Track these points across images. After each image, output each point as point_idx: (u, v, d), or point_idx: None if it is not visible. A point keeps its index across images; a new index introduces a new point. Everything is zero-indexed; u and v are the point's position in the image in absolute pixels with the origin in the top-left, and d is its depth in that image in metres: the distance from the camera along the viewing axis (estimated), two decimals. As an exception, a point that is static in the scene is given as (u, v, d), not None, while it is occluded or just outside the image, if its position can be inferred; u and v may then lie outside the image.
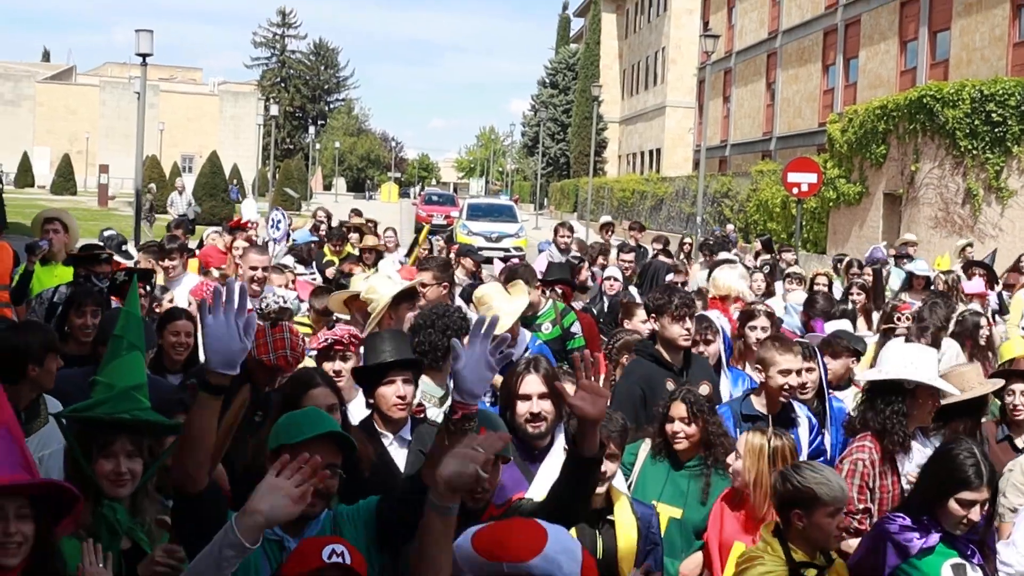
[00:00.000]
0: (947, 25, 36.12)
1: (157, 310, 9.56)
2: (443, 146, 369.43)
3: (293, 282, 11.78)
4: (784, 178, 30.08)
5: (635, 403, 7.36)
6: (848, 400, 8.40)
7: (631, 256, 15.50)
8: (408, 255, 16.43)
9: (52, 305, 9.54)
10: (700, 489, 6.31)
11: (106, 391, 4.53)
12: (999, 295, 15.87)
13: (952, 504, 5.20)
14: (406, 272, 12.34)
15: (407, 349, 6.30)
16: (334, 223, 21.20)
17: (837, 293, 14.09)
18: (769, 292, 14.05)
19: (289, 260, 14.58)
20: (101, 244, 11.00)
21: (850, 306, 12.15)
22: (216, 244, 16.01)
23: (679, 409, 6.38)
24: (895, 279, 16.94)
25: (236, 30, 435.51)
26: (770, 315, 9.37)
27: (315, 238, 18.33)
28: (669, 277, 12.81)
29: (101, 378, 4.59)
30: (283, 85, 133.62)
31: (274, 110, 77.19)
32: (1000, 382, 7.52)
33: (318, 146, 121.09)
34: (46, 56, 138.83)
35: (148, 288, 9.75)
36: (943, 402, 6.73)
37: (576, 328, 10.21)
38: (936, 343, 9.71)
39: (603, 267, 15.24)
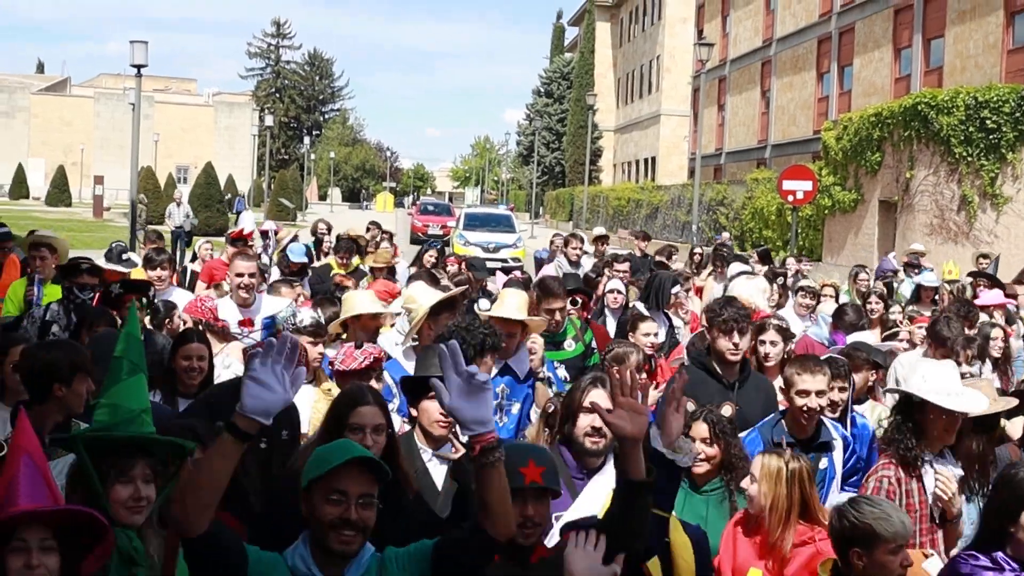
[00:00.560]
0: (941, 32, 36.17)
1: (168, 327, 9.32)
2: (438, 155, 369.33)
3: (298, 297, 11.39)
4: (779, 186, 30.15)
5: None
6: (867, 413, 8.24)
7: (625, 266, 15.20)
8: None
9: (44, 324, 9.28)
10: (723, 515, 6.06)
11: (111, 414, 4.27)
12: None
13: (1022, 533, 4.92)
14: (381, 286, 12.15)
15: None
16: (332, 234, 20.83)
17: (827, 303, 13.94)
18: (780, 304, 13.79)
19: (275, 272, 14.31)
20: (87, 257, 10.51)
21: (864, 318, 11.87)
22: (218, 256, 15.94)
23: (700, 429, 6.16)
24: (906, 289, 16.81)
25: (231, 41, 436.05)
26: (782, 329, 9.11)
27: (304, 251, 18.07)
28: (675, 289, 12.53)
29: (104, 400, 4.33)
30: (278, 96, 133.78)
31: (269, 120, 77.43)
32: (1014, 401, 7.23)
33: (313, 156, 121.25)
34: (40, 68, 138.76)
35: (144, 301, 9.49)
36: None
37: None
38: (955, 357, 9.33)
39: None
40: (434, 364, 5.83)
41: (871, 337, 10.05)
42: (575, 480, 5.42)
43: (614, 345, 8.80)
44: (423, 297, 8.12)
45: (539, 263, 18.32)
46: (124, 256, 14.82)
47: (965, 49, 34.44)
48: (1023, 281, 17.27)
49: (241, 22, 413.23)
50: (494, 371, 7.52)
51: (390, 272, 15.04)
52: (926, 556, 5.77)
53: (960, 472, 6.31)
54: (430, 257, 16.33)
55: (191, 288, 14.16)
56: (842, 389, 7.49)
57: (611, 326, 11.89)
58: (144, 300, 9.46)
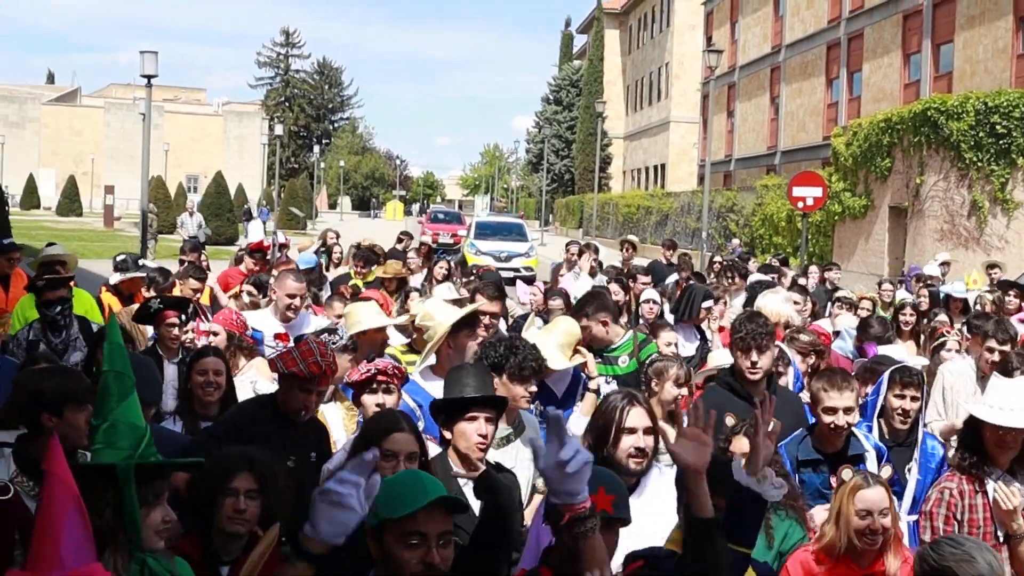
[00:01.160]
0: (950, 38, 36.15)
1: (188, 345, 8.96)
2: (447, 164, 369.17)
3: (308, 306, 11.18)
4: (789, 192, 30.09)
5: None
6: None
7: (648, 278, 14.74)
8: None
9: (30, 343, 9.13)
10: (762, 532, 5.70)
11: (112, 436, 3.97)
12: None
13: None
14: (375, 295, 11.83)
15: (491, 386, 6.00)
16: (340, 241, 20.53)
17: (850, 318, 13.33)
18: (815, 314, 13.37)
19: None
20: (51, 274, 10.21)
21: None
22: (234, 266, 15.85)
23: (742, 444, 5.88)
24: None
25: (240, 50, 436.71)
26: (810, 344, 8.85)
27: (314, 261, 17.74)
28: (707, 304, 12.14)
29: (103, 423, 4.03)
30: (287, 105, 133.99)
31: (278, 130, 77.54)
32: None
33: (323, 165, 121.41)
34: (51, 78, 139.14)
35: (184, 318, 9.04)
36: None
37: None
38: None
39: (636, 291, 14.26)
40: (468, 384, 5.75)
41: (901, 350, 9.69)
42: None
43: (657, 358, 8.42)
44: (441, 314, 7.71)
45: (556, 272, 17.70)
46: (139, 263, 14.75)
47: (974, 54, 34.42)
48: None
49: (250, 32, 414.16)
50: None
51: (400, 284, 14.64)
52: None
53: None
54: (441, 269, 16.07)
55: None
56: (915, 399, 7.27)
57: None
58: (184, 316, 9.08)
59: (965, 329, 10.88)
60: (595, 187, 60.65)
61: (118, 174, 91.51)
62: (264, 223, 62.11)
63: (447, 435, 5.57)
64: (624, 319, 11.40)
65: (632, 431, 5.29)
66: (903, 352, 9.72)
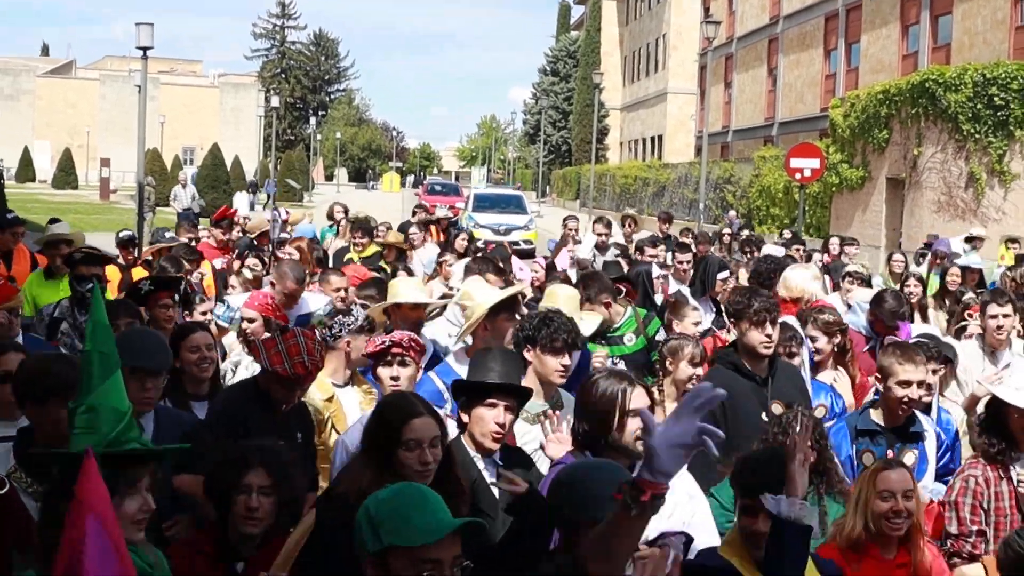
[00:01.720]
0: (949, 9, 36.04)
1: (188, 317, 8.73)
2: (444, 135, 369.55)
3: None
4: (787, 163, 30.04)
5: (714, 413, 6.49)
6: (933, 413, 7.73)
7: (659, 250, 14.40)
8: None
9: (53, 320, 8.86)
10: (816, 521, 5.36)
11: (93, 419, 3.80)
12: None
13: None
14: (352, 270, 11.41)
15: (517, 374, 5.80)
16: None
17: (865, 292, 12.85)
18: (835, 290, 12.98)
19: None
20: (88, 247, 9.83)
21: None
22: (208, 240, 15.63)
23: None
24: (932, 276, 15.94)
25: (235, 22, 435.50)
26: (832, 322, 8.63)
27: (313, 233, 17.42)
28: (723, 275, 11.85)
29: (85, 403, 3.85)
30: (283, 76, 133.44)
31: (275, 101, 77.21)
32: None
33: (319, 137, 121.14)
34: (45, 50, 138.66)
35: (176, 299, 8.73)
36: None
37: (662, 335, 9.15)
38: None
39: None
40: (493, 369, 5.60)
41: (938, 330, 9.54)
42: None
43: (672, 337, 8.26)
44: (480, 295, 7.36)
45: (558, 250, 16.81)
46: (168, 235, 14.65)
47: (973, 26, 34.32)
48: None
49: (246, 3, 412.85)
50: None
51: (399, 254, 14.48)
52: None
53: None
54: (462, 241, 15.77)
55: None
56: (934, 372, 7.15)
57: None
58: (177, 297, 8.76)
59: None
60: (592, 158, 60.47)
61: (113, 146, 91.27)
62: (270, 196, 62.11)
63: (464, 418, 5.39)
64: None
65: (636, 412, 4.99)
66: (939, 331, 9.49)
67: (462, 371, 6.72)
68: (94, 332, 3.99)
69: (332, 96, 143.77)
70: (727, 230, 23.51)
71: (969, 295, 11.79)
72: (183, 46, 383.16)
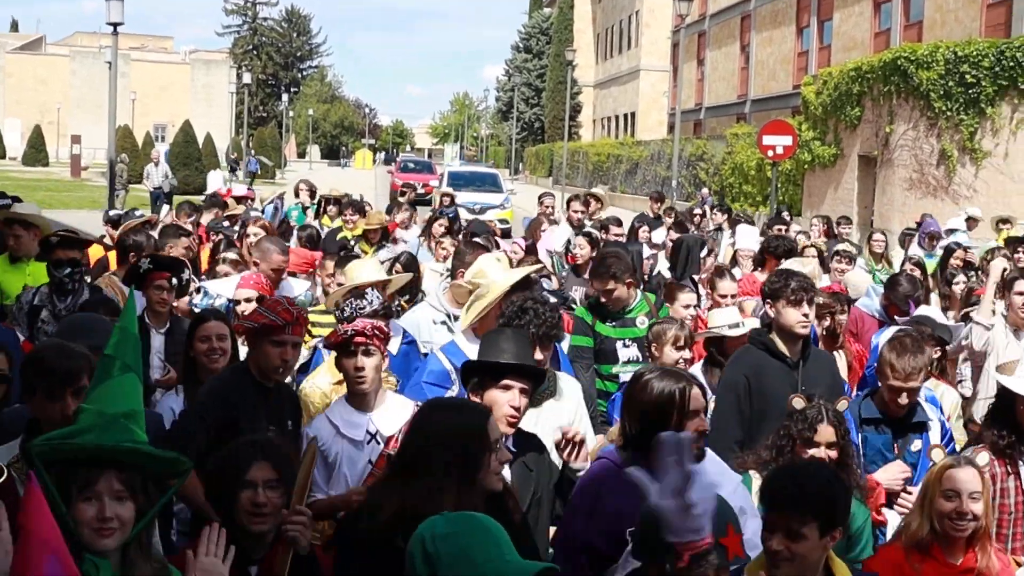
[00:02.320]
0: (921, -14, 36.14)
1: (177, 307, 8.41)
2: (417, 113, 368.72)
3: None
4: (759, 141, 30.10)
5: (738, 392, 6.74)
6: (941, 400, 7.57)
7: (620, 229, 14.19)
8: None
9: (33, 309, 8.35)
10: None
11: (93, 419, 3.66)
12: None
13: None
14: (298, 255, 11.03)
15: (530, 355, 5.56)
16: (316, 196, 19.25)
17: (859, 272, 12.59)
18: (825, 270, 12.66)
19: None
20: (64, 229, 9.21)
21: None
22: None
23: (827, 433, 5.49)
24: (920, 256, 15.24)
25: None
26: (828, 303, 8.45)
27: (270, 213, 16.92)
28: (703, 254, 11.68)
29: (88, 405, 3.72)
30: (255, 53, 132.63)
31: (246, 78, 76.95)
32: None
33: (291, 114, 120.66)
34: (15, 26, 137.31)
35: (177, 282, 8.25)
36: None
37: None
38: None
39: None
40: (506, 350, 5.30)
41: (938, 312, 9.43)
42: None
43: (656, 321, 8.13)
44: (495, 273, 7.01)
45: (537, 227, 16.27)
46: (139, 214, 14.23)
47: (945, 3, 34.42)
48: None
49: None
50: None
51: (383, 235, 14.09)
52: (1019, 564, 5.41)
53: None
54: (440, 226, 15.62)
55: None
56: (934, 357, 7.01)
57: None
58: (178, 280, 8.33)
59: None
60: (565, 136, 60.40)
61: (84, 123, 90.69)
62: (255, 174, 61.81)
63: (475, 400, 5.09)
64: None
65: (696, 413, 4.76)
66: (938, 313, 9.39)
67: (471, 351, 6.51)
68: (121, 339, 3.80)
69: (304, 73, 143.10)
70: (697, 209, 23.20)
71: (960, 277, 11.67)
72: (154, 22, 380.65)
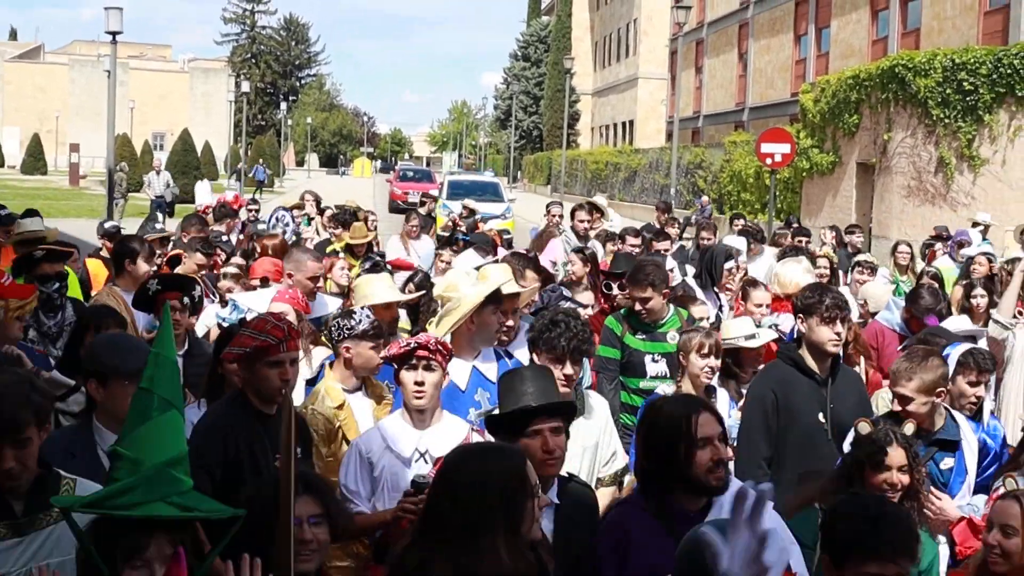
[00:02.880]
0: (918, -6, 36.20)
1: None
2: (416, 120, 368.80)
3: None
4: (757, 148, 30.08)
5: (766, 408, 6.55)
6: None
7: (638, 240, 13.71)
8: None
9: None
10: None
11: (132, 470, 3.32)
12: None
13: None
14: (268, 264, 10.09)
15: (554, 389, 5.12)
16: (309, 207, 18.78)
17: (879, 284, 12.14)
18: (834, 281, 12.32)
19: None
20: (46, 245, 8.83)
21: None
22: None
23: (897, 456, 5.17)
24: (943, 264, 14.88)
25: (205, 6, 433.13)
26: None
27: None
28: (728, 265, 11.29)
29: (124, 450, 3.39)
30: (254, 61, 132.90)
31: (245, 87, 76.76)
32: None
33: (290, 122, 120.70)
34: (13, 34, 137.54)
35: (189, 301, 7.84)
36: None
37: None
38: None
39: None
40: (526, 392, 4.91)
41: (969, 323, 9.15)
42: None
43: (685, 330, 7.85)
44: (466, 287, 6.73)
45: (546, 239, 15.90)
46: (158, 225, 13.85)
47: (942, 11, 34.47)
48: None
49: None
50: (467, 374, 6.54)
51: (368, 249, 13.53)
52: None
53: None
54: (413, 226, 15.34)
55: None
56: (973, 384, 6.70)
57: None
58: (190, 299, 7.86)
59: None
60: (563, 144, 60.48)
61: (83, 132, 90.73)
62: (262, 183, 61.73)
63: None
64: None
65: (707, 441, 4.44)
66: (966, 323, 9.16)
67: (453, 369, 6.27)
68: (157, 369, 3.47)
69: (303, 81, 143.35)
70: (696, 216, 22.82)
71: (979, 291, 10.89)
72: (153, 31, 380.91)
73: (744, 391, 7.44)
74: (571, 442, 5.11)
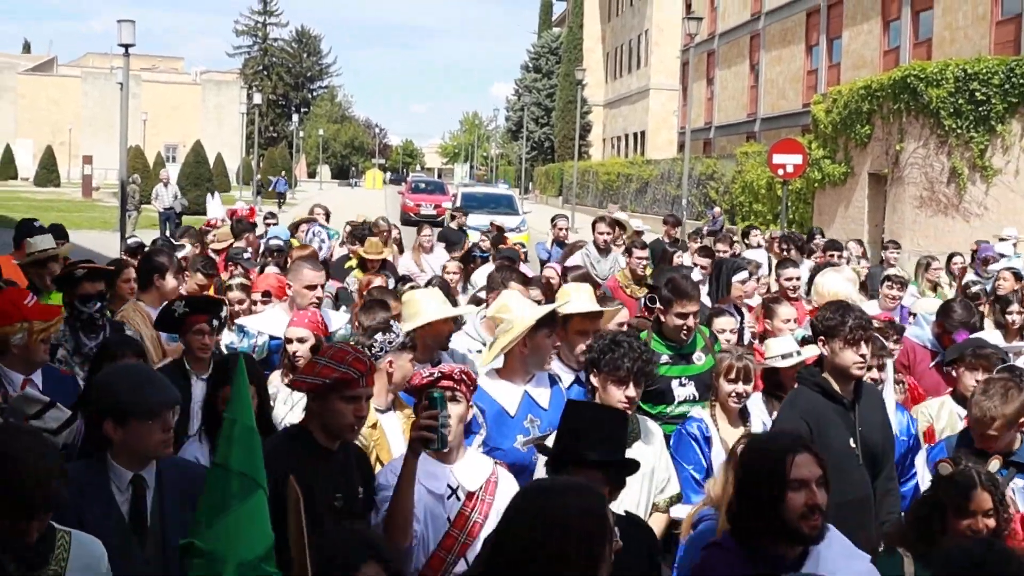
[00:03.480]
0: (930, 4, 36.10)
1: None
2: (427, 132, 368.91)
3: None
4: (769, 159, 30.09)
5: None
6: None
7: (645, 252, 13.31)
8: None
9: (51, 348, 7.18)
10: None
11: (212, 568, 2.98)
12: None
13: None
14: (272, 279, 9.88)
15: (623, 438, 4.82)
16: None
17: (909, 299, 12.19)
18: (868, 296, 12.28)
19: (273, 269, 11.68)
20: (86, 261, 8.40)
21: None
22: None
23: (983, 500, 4.84)
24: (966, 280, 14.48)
25: (217, 19, 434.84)
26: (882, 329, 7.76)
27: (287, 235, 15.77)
28: (741, 276, 10.98)
29: (203, 544, 3.07)
30: (266, 73, 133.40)
31: (257, 98, 77.03)
32: None
33: (302, 134, 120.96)
34: (27, 47, 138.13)
35: (216, 325, 7.60)
36: None
37: None
38: None
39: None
40: (589, 437, 4.57)
41: (1000, 337, 8.96)
42: None
43: (721, 350, 7.53)
44: (519, 308, 6.47)
45: (569, 253, 15.51)
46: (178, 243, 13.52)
47: (954, 21, 34.41)
48: None
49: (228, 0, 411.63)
50: (517, 399, 6.31)
51: (383, 265, 13.07)
52: None
53: None
54: (427, 239, 14.77)
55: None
56: None
57: None
58: (218, 322, 7.64)
59: None
60: (575, 155, 60.37)
61: (96, 144, 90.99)
62: (283, 195, 61.77)
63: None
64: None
65: (802, 484, 4.18)
66: (999, 339, 8.91)
67: (495, 391, 6.21)
68: (232, 442, 3.09)
69: (314, 93, 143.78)
70: (707, 227, 22.56)
71: (1015, 307, 10.56)
72: (165, 43, 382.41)
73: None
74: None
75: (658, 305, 7.78)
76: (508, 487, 5.22)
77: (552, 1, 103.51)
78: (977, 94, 26.25)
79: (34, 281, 9.13)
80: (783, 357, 7.49)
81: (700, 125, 57.07)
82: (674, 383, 7.60)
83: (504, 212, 38.49)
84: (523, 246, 24.75)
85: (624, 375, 5.69)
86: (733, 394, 6.81)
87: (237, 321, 8.70)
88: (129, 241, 14.10)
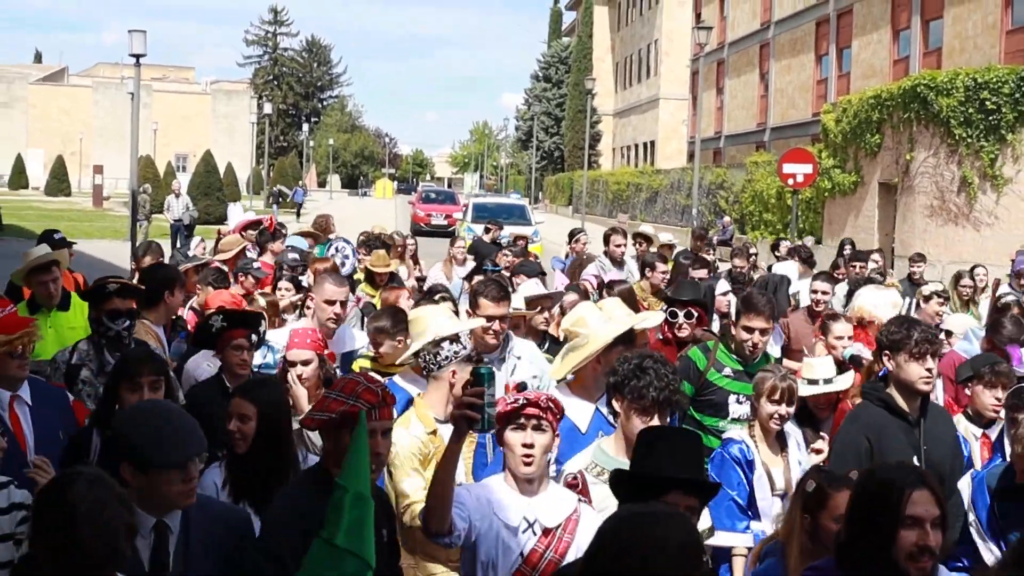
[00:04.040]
0: (940, 14, 36.11)
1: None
2: (436, 141, 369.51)
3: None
4: (779, 169, 30.12)
5: (859, 456, 5.98)
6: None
7: (667, 267, 13.11)
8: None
9: (71, 368, 7.13)
10: None
11: None
12: None
13: None
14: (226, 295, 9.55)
15: (700, 461, 4.66)
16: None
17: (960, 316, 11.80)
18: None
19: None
20: (115, 277, 7.82)
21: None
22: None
23: None
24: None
25: (228, 28, 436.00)
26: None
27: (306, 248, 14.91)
28: (721, 289, 10.97)
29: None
30: (276, 83, 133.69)
31: (267, 108, 77.16)
32: None
33: (312, 143, 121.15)
34: (38, 57, 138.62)
35: (255, 340, 7.25)
36: None
37: None
38: None
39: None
40: (667, 454, 4.47)
41: None
42: None
43: (762, 368, 7.18)
44: (595, 323, 6.26)
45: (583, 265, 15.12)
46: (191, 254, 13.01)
47: (964, 30, 34.40)
48: None
49: (238, 10, 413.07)
50: (588, 415, 6.11)
51: (391, 279, 12.49)
52: None
53: None
54: (459, 250, 14.36)
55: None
56: None
57: None
58: (257, 337, 7.26)
59: None
60: (585, 164, 60.34)
61: (107, 153, 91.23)
62: (300, 204, 61.73)
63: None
64: None
65: (916, 522, 3.95)
66: None
67: (569, 408, 5.69)
68: (344, 513, 2.88)
69: (324, 103, 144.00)
70: (717, 237, 22.15)
71: None
72: (176, 53, 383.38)
73: (820, 431, 7.13)
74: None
75: (680, 319, 7.69)
76: (590, 525, 4.63)
77: (562, 11, 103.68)
78: (987, 103, 26.21)
79: (37, 293, 8.70)
80: (809, 383, 7.36)
81: (710, 134, 57.09)
82: (732, 398, 7.45)
83: (516, 222, 37.02)
84: (537, 257, 24.27)
85: (648, 405, 5.36)
86: (776, 416, 6.57)
87: (268, 338, 8.26)
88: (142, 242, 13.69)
